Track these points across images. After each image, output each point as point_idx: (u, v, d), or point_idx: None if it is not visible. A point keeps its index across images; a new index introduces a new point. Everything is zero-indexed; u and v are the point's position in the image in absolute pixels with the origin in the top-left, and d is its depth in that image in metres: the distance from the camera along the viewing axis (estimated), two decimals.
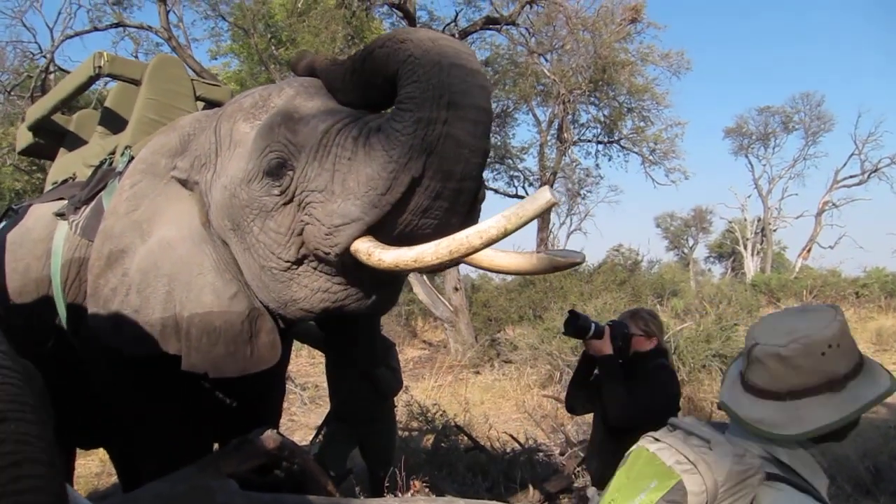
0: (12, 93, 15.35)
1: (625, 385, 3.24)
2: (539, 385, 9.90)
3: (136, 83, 3.48)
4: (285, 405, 9.46)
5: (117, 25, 16.03)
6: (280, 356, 2.67)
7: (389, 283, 2.54)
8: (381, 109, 2.25)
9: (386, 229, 2.23)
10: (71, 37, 15.44)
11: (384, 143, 2.17)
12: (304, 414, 9.48)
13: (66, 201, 3.28)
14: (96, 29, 15.52)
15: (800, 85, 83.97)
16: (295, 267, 2.42)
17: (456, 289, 14.65)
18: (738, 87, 76.00)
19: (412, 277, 14.70)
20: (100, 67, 3.43)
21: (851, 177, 33.66)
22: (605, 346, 3.31)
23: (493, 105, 18.87)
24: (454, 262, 2.16)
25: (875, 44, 67.16)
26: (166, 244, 2.66)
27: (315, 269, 2.41)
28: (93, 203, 3.11)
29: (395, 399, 4.89)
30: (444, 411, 7.09)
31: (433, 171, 2.12)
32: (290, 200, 2.37)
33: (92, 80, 3.57)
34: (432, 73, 2.08)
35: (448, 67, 2.09)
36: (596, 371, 3.47)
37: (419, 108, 2.09)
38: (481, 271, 21.36)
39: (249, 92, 2.73)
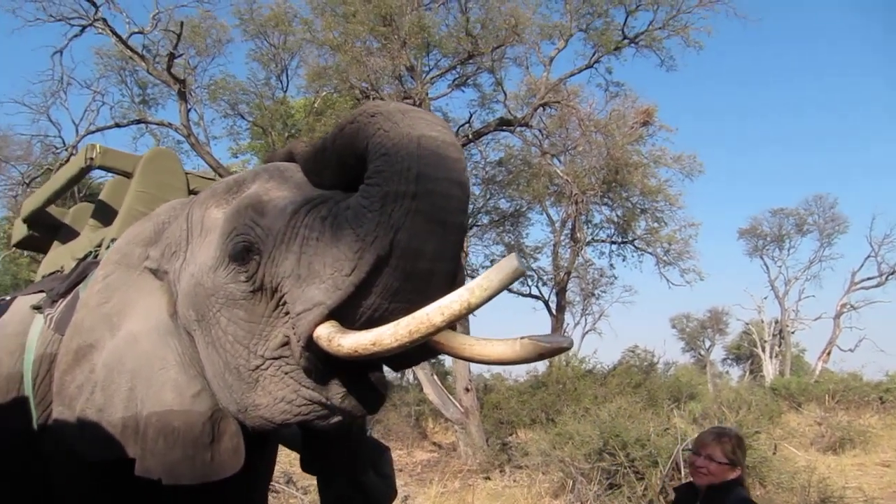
0: (31, 185, 15.62)
1: None
2: (551, 494, 9.46)
3: (129, 176, 3.41)
4: None
5: (139, 122, 16.47)
6: (245, 462, 2.42)
7: (357, 402, 2.25)
8: (357, 190, 2.11)
9: (352, 314, 2.05)
10: (93, 132, 15.89)
11: (352, 221, 2.02)
12: None
13: (45, 294, 3.15)
14: (118, 125, 15.94)
15: (813, 187, 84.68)
16: (265, 367, 2.21)
17: (467, 389, 14.31)
18: (751, 188, 76.74)
19: (422, 376, 14.42)
20: (91, 159, 3.38)
21: (869, 279, 33.43)
22: None
23: (507, 205, 19.09)
24: (416, 344, 1.94)
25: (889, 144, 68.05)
26: (132, 338, 2.48)
27: (285, 373, 2.20)
28: (69, 296, 2.97)
29: None
30: None
31: (402, 249, 1.96)
32: (260, 288, 2.20)
33: (84, 171, 3.51)
34: (401, 146, 1.96)
35: (418, 139, 1.97)
36: None
37: (386, 182, 1.96)
38: (494, 371, 21.07)
39: (226, 178, 2.61)
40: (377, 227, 1.96)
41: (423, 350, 2.13)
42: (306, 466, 2.96)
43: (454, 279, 2.15)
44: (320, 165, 2.22)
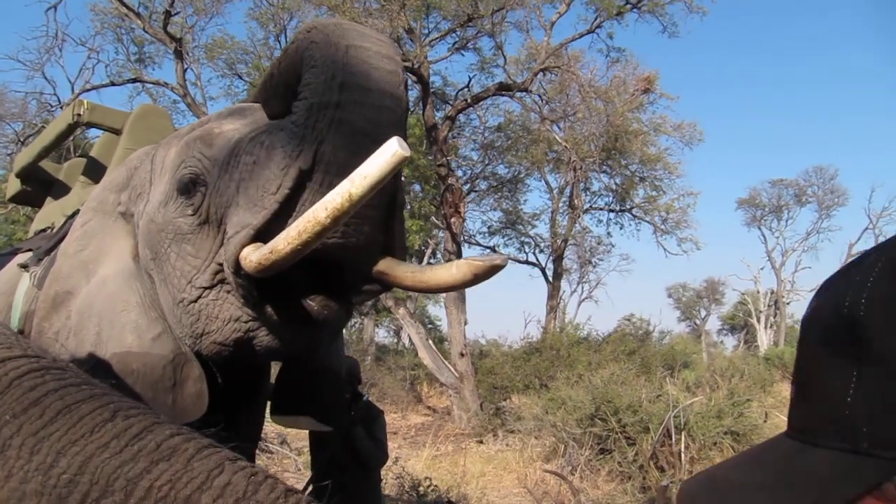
0: (25, 143, 15.50)
1: None
2: (543, 458, 9.54)
3: (118, 132, 3.37)
4: (277, 470, 9.19)
5: (135, 81, 16.29)
6: (206, 408, 2.33)
7: (300, 319, 2.20)
8: None
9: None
10: (88, 90, 15.70)
11: (282, 139, 1.96)
12: (297, 481, 9.09)
13: (32, 252, 3.13)
14: (113, 83, 15.77)
15: (813, 158, 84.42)
16: (206, 294, 2.17)
17: (462, 354, 14.38)
18: (751, 158, 76.53)
19: (417, 341, 14.48)
20: (79, 115, 3.32)
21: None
22: None
23: (505, 171, 18.96)
24: (308, 245, 1.85)
25: (890, 117, 67.71)
26: (101, 282, 2.45)
27: (227, 292, 2.16)
28: (53, 253, 2.95)
29: (386, 471, 4.61)
30: (435, 486, 6.76)
31: (325, 162, 1.89)
32: (206, 220, 2.14)
33: (71, 127, 3.46)
34: (328, 55, 1.88)
35: (346, 48, 1.89)
36: None
37: (312, 93, 1.89)
38: (489, 336, 21.10)
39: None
40: (302, 140, 1.90)
41: (365, 280, 2.11)
42: (274, 412, 2.93)
43: (392, 199, 2.08)
44: (269, 93, 2.15)
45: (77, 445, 0.92)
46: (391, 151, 1.68)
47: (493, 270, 1.95)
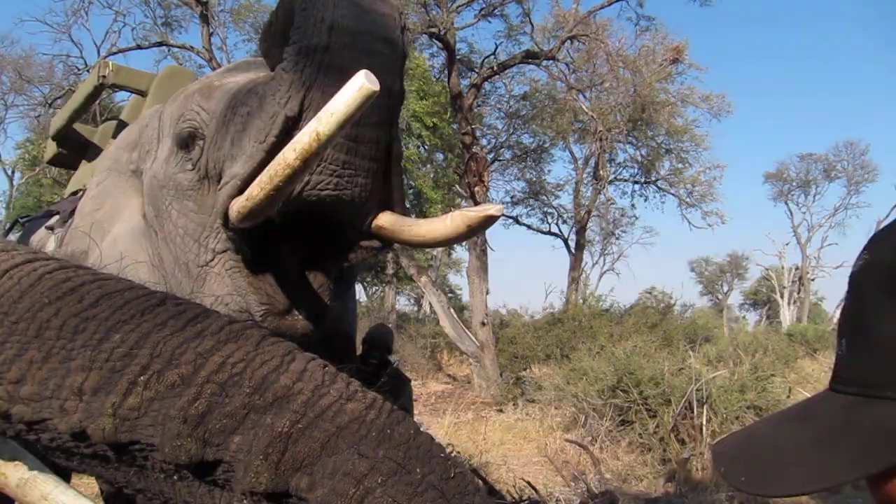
0: (52, 106, 15.62)
1: None
2: (563, 428, 9.57)
3: (143, 94, 3.36)
4: None
5: (161, 44, 16.29)
6: None
7: (294, 307, 2.14)
8: None
9: None
10: (115, 53, 15.72)
11: (272, 87, 1.89)
12: None
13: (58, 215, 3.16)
14: (139, 47, 15.78)
15: (843, 133, 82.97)
16: (214, 263, 2.11)
17: (483, 323, 14.38)
18: (780, 132, 75.29)
19: (439, 309, 14.50)
20: (104, 77, 3.32)
21: None
22: None
23: (530, 140, 18.71)
24: (282, 190, 1.78)
25: None
26: (112, 241, 2.44)
27: (226, 269, 2.10)
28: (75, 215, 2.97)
29: None
30: (458, 452, 6.79)
31: (314, 109, 1.79)
32: (206, 176, 2.09)
33: (98, 89, 3.47)
34: None
35: None
36: None
37: (301, 37, 1.82)
38: (511, 306, 21.07)
39: None
40: (290, 87, 1.84)
41: (363, 236, 2.07)
42: None
43: (387, 148, 2.00)
44: (269, 43, 2.08)
45: (130, 324, 0.87)
46: (357, 85, 1.56)
47: (487, 221, 1.89)
